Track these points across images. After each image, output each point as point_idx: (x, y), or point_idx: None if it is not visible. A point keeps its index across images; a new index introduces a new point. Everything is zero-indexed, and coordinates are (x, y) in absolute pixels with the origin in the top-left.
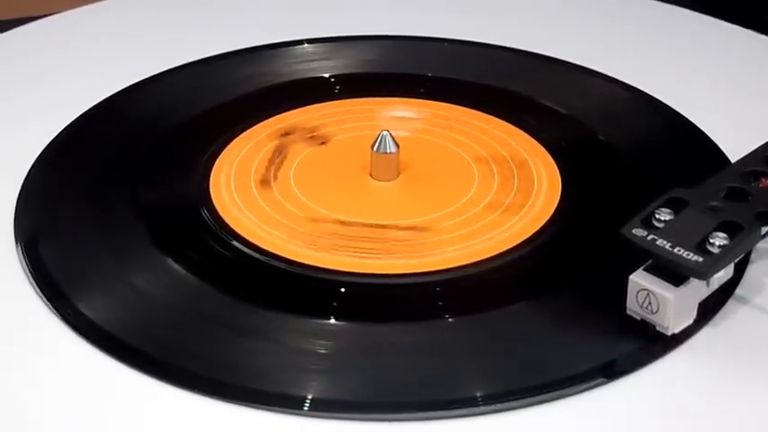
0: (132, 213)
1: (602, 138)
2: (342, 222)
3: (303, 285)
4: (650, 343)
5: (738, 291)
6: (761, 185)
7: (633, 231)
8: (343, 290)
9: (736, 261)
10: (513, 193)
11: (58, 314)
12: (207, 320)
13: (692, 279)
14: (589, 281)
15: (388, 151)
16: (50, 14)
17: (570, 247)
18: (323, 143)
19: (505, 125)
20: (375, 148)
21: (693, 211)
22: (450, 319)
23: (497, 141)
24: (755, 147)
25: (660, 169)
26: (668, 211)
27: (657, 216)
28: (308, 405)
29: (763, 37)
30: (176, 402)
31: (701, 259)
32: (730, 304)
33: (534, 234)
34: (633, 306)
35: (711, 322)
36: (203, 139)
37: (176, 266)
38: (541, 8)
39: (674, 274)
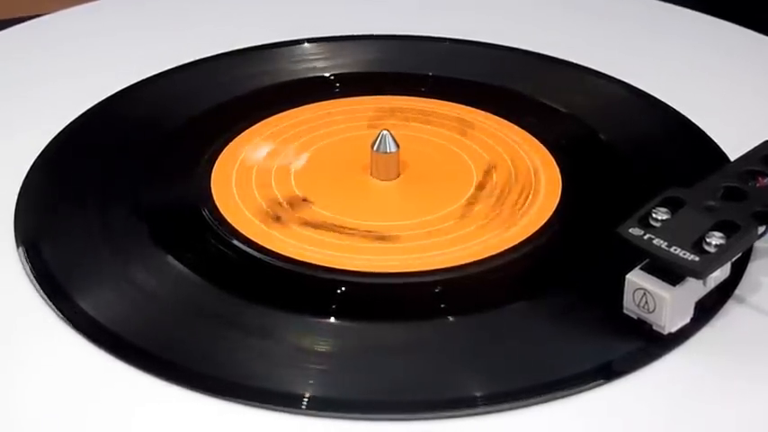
0: (133, 213)
1: (602, 137)
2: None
3: (304, 284)
4: (649, 343)
5: (737, 291)
6: (758, 185)
7: (630, 231)
8: (343, 289)
9: (733, 260)
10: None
11: (58, 313)
12: (207, 319)
13: (688, 278)
14: (589, 280)
15: (388, 151)
16: (49, 13)
17: (570, 246)
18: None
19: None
20: (375, 148)
21: (690, 210)
22: (450, 319)
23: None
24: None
25: (660, 168)
26: (665, 210)
27: (654, 215)
28: (306, 404)
29: (763, 36)
30: (177, 400)
31: (697, 258)
32: (729, 304)
33: (534, 233)
34: (630, 305)
35: (710, 322)
36: (204, 138)
37: (177, 265)
38: (542, 8)
39: (671, 274)
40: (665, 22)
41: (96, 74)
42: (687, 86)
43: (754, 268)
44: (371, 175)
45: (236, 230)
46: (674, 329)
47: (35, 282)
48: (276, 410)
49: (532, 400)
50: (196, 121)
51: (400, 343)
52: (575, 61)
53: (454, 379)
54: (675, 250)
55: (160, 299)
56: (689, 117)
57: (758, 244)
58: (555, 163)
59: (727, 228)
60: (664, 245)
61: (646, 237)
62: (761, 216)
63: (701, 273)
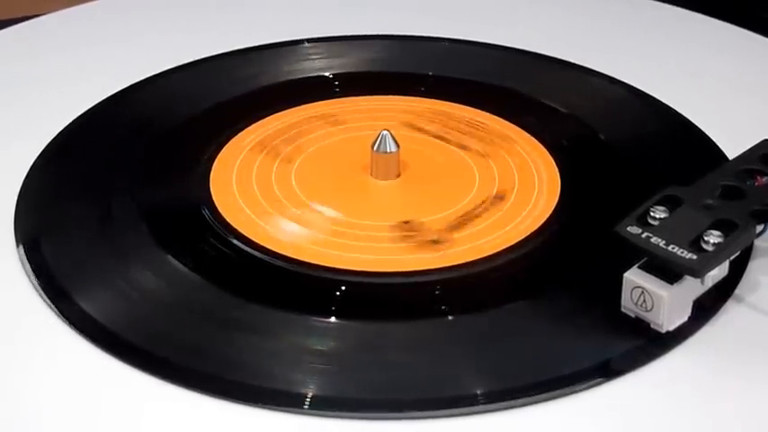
0: (133, 212)
1: (601, 137)
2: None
3: (304, 283)
4: (649, 342)
5: (737, 290)
6: (756, 184)
7: (628, 229)
8: (343, 288)
9: (731, 259)
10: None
11: (59, 313)
12: (208, 318)
13: (686, 277)
14: (589, 280)
15: (389, 151)
16: (48, 13)
17: (570, 246)
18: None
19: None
20: (375, 148)
21: (688, 209)
22: (449, 318)
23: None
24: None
25: (660, 168)
26: (663, 209)
27: (652, 214)
28: (308, 403)
29: (761, 37)
30: (177, 400)
31: (695, 257)
32: (729, 303)
33: (534, 233)
34: (628, 304)
35: (710, 322)
36: (203, 138)
37: (177, 265)
38: (541, 8)
39: (669, 272)
40: (664, 22)
41: (96, 74)
42: (686, 86)
43: (753, 267)
44: (371, 175)
45: (236, 230)
46: (671, 328)
47: (35, 281)
48: (277, 410)
49: (532, 399)
50: (196, 121)
51: (400, 342)
52: (575, 61)
53: (454, 378)
54: (673, 249)
55: (160, 298)
56: (688, 117)
57: (758, 243)
58: (554, 163)
59: (725, 226)
60: (661, 243)
61: (644, 235)
62: (759, 215)
63: (698, 271)
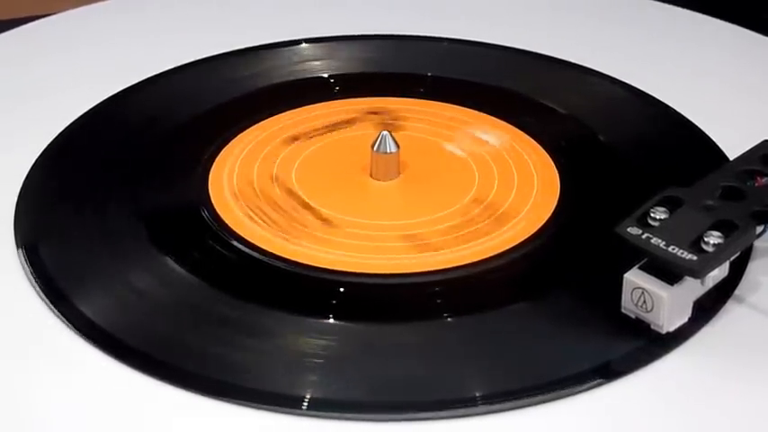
0: (132, 213)
1: (601, 137)
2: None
3: (303, 285)
4: (649, 343)
5: (737, 291)
6: (757, 184)
7: (628, 230)
8: (342, 289)
9: (731, 260)
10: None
11: (58, 315)
12: (206, 320)
13: (686, 278)
14: (589, 281)
15: (388, 151)
16: (50, 14)
17: (569, 247)
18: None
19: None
20: (375, 148)
21: (688, 209)
22: (449, 319)
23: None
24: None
25: (660, 169)
26: (663, 209)
27: (652, 215)
28: (306, 405)
29: (761, 36)
30: (175, 402)
31: (695, 258)
32: (729, 304)
33: (533, 234)
34: (628, 305)
35: (710, 322)
36: (203, 139)
37: (176, 266)
38: (541, 8)
39: (669, 273)
40: (664, 22)
41: (96, 74)
42: (686, 86)
43: (753, 268)
44: (371, 175)
45: (235, 232)
46: (672, 329)
47: (35, 283)
48: (276, 412)
49: (532, 401)
50: (195, 121)
51: (400, 344)
52: (574, 61)
53: (454, 379)
54: (673, 249)
55: (159, 300)
56: (688, 117)
57: (758, 243)
58: (554, 163)
59: (725, 227)
60: (662, 244)
61: (644, 236)
62: (759, 215)
63: (698, 272)
